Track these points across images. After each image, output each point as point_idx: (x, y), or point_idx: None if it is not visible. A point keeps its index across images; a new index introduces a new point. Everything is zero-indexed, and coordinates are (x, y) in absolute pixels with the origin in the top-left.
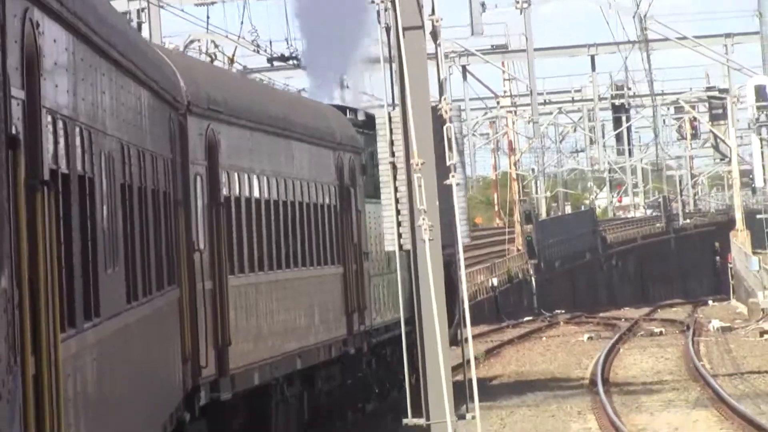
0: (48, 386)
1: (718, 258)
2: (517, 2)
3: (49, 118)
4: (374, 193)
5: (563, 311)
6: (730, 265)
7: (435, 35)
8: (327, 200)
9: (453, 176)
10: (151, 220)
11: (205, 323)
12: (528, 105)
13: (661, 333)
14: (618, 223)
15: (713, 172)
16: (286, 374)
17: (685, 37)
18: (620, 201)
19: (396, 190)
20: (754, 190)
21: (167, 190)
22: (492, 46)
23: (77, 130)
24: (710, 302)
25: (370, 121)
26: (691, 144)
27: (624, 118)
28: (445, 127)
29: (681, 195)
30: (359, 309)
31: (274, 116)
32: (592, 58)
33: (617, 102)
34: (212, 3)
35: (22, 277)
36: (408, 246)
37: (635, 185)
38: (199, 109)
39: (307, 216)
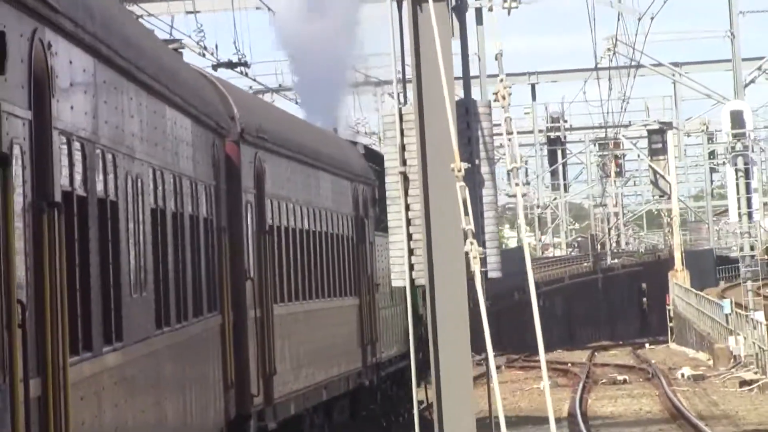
0: (53, 407)
1: (645, 299)
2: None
3: (63, 139)
4: (379, 226)
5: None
6: (668, 307)
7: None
8: (346, 231)
9: (517, 184)
10: (189, 247)
11: (255, 351)
12: None
13: (625, 381)
14: (545, 262)
15: (642, 210)
16: (314, 405)
17: (640, 65)
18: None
19: (408, 208)
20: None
21: (209, 217)
22: None
23: (98, 152)
24: (647, 345)
25: (375, 157)
26: (615, 182)
27: (559, 153)
28: (505, 124)
29: (609, 234)
30: (372, 341)
31: (306, 146)
32: (533, 87)
33: (552, 135)
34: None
35: (12, 297)
36: (422, 281)
37: (556, 225)
38: (250, 137)
39: (331, 246)
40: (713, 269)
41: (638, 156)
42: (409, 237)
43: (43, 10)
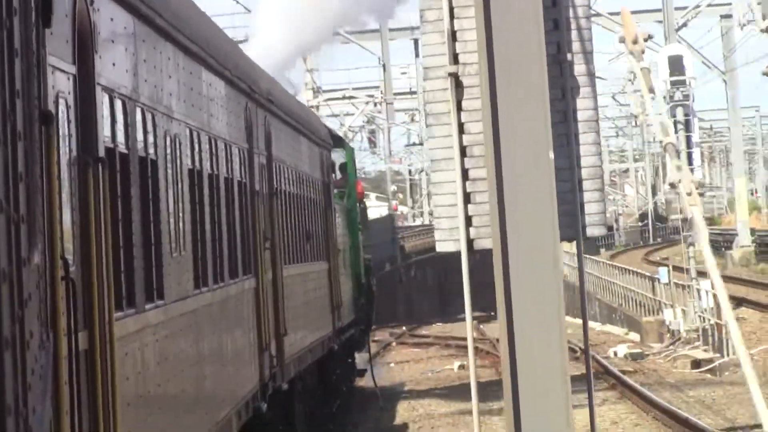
0: (101, 362)
1: None
2: None
3: (106, 96)
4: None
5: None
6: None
7: None
8: (318, 195)
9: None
10: (224, 209)
11: (269, 314)
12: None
13: None
14: (417, 231)
15: None
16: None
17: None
18: (395, 209)
19: (462, 129)
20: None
21: (243, 180)
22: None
23: (138, 110)
24: None
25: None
26: None
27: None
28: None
29: None
30: (338, 306)
31: (293, 111)
32: (415, 42)
33: None
34: None
35: (55, 253)
36: (485, 242)
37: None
38: (262, 99)
39: (310, 210)
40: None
41: None
42: (464, 174)
43: None
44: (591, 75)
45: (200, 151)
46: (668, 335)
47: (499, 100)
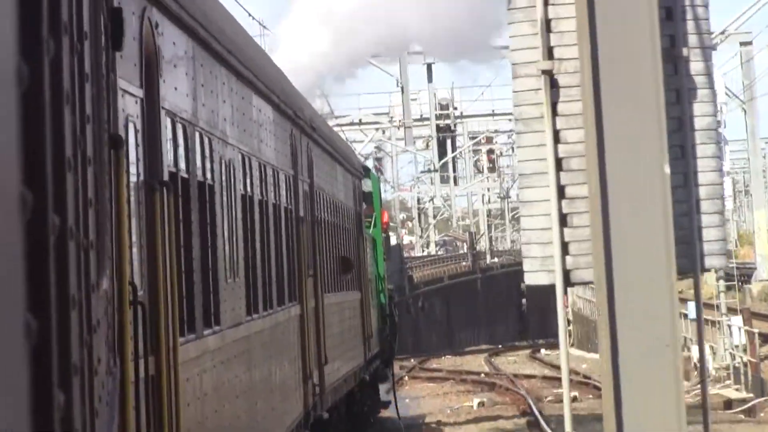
0: (167, 388)
1: (524, 300)
2: None
3: (169, 120)
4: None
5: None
6: (566, 308)
7: None
8: (351, 224)
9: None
10: (273, 235)
11: (312, 342)
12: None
13: (575, 399)
14: (425, 261)
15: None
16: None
17: None
18: (402, 238)
19: (558, 139)
20: None
21: (289, 206)
22: None
23: (197, 134)
24: (542, 350)
25: None
26: (488, 178)
27: (450, 143)
28: None
29: (489, 231)
30: (368, 336)
31: (332, 138)
32: (428, 66)
33: (441, 123)
34: None
35: (124, 278)
36: (586, 274)
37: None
38: (306, 127)
39: (345, 239)
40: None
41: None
42: (560, 192)
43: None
44: (709, 75)
45: (251, 176)
46: (695, 373)
47: (603, 103)
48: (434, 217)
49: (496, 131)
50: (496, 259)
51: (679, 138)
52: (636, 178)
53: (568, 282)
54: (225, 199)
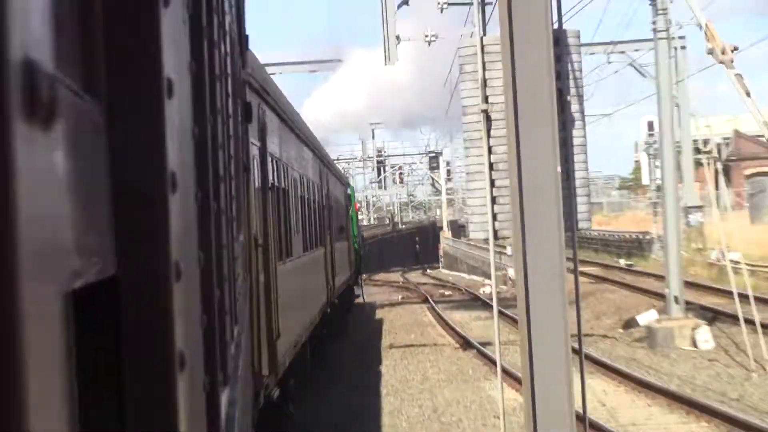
0: (272, 288)
1: (417, 246)
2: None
3: (270, 158)
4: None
5: None
6: (441, 248)
7: None
8: (342, 210)
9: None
10: (315, 213)
11: (329, 265)
12: None
13: (451, 294)
14: (369, 227)
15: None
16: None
17: None
18: (357, 209)
19: (490, 151)
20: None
21: (319, 199)
22: None
23: (281, 165)
24: (428, 270)
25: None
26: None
27: (382, 168)
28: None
29: (400, 212)
30: (351, 263)
31: (334, 166)
32: (372, 131)
33: (379, 158)
34: None
35: (251, 235)
36: (506, 232)
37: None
38: (324, 161)
39: (341, 215)
40: (457, 231)
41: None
42: (492, 184)
43: (262, 95)
44: (582, 112)
45: (303, 185)
46: (510, 282)
47: (519, 130)
48: (374, 205)
49: (403, 163)
50: (403, 226)
51: (564, 151)
52: (538, 175)
53: (495, 237)
54: (293, 195)
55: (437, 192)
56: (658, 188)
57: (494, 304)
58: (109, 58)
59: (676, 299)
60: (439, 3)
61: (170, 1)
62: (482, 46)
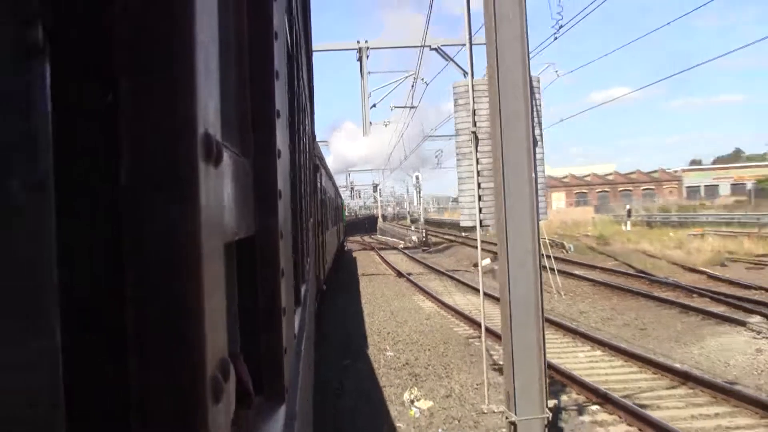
0: (322, 243)
1: (366, 225)
2: None
3: (320, 186)
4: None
5: None
6: (378, 227)
7: None
8: (338, 205)
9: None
10: (332, 209)
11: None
12: None
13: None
14: (349, 217)
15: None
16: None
17: None
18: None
19: (477, 162)
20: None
21: (335, 203)
22: None
23: (323, 189)
24: (372, 235)
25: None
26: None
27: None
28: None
29: (359, 210)
30: (340, 233)
31: (338, 190)
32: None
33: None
34: None
35: (315, 218)
36: (488, 221)
37: None
38: (335, 186)
39: (337, 208)
40: (385, 218)
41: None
42: (478, 186)
43: (318, 160)
44: (541, 135)
45: (329, 197)
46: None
47: (503, 148)
48: (348, 207)
49: (362, 187)
50: (361, 215)
51: (533, 162)
52: (516, 179)
53: (480, 225)
54: (329, 201)
55: (375, 201)
56: None
57: (480, 287)
58: (252, 136)
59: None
60: (390, 106)
61: (281, 114)
62: (473, 85)
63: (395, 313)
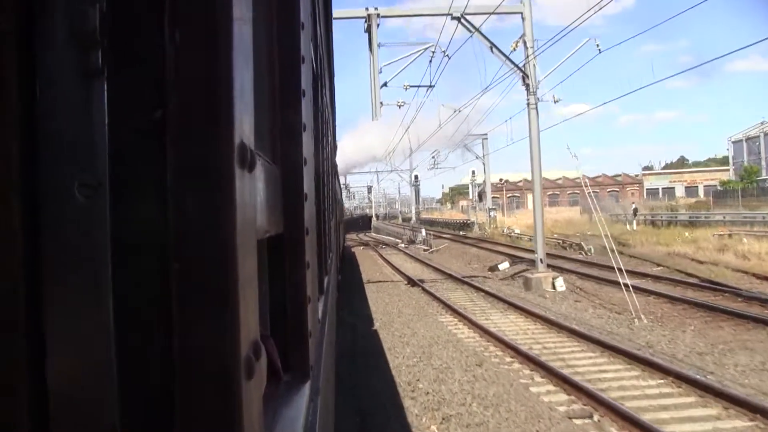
0: (342, 229)
1: (361, 222)
2: None
3: (345, 193)
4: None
5: None
6: (373, 224)
7: None
8: (340, 200)
9: None
10: (341, 207)
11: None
12: None
13: (369, 245)
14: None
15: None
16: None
17: None
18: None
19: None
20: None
21: (340, 199)
22: None
23: (342, 188)
24: (366, 233)
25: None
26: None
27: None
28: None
29: (354, 210)
30: (339, 226)
31: (341, 187)
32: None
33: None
34: None
35: (336, 217)
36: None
37: None
38: (342, 186)
39: (339, 204)
40: (378, 217)
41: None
42: None
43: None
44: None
45: (343, 197)
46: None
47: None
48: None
49: (356, 189)
50: (356, 215)
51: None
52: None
53: None
54: (345, 199)
55: (370, 201)
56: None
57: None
58: (282, 146)
59: (541, 260)
60: (405, 85)
61: (307, 127)
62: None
63: (425, 348)
